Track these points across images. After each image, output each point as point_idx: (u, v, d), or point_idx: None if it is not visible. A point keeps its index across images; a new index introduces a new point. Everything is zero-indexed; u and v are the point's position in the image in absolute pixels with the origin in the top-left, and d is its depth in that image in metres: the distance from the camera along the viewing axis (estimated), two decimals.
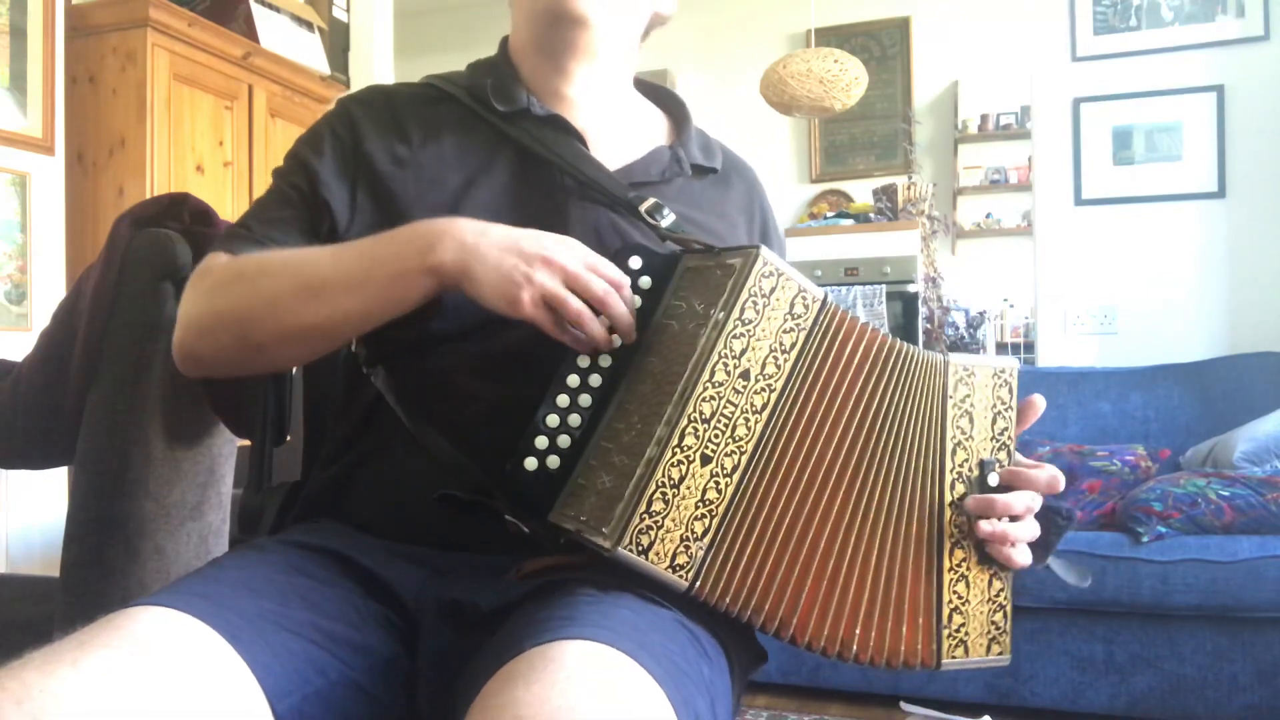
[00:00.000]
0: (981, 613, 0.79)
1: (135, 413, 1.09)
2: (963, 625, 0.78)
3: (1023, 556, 0.79)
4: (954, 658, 0.78)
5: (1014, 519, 0.78)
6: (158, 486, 1.11)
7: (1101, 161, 3.10)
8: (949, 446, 0.78)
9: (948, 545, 0.77)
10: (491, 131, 0.91)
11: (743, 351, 0.72)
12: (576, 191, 0.88)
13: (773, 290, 0.73)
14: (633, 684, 0.60)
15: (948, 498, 0.77)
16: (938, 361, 0.78)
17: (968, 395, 0.78)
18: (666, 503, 0.71)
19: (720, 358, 0.71)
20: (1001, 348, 5.22)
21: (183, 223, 1.15)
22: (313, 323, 0.81)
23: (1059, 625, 2.16)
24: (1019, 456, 0.81)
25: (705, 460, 0.71)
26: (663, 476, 0.71)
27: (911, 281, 4.05)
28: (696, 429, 0.71)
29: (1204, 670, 2.06)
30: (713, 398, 0.71)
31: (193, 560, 1.16)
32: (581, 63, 0.93)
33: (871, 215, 4.41)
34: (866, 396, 0.75)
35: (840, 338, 0.75)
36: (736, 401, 0.72)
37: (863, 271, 4.11)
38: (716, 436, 0.72)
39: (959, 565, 0.78)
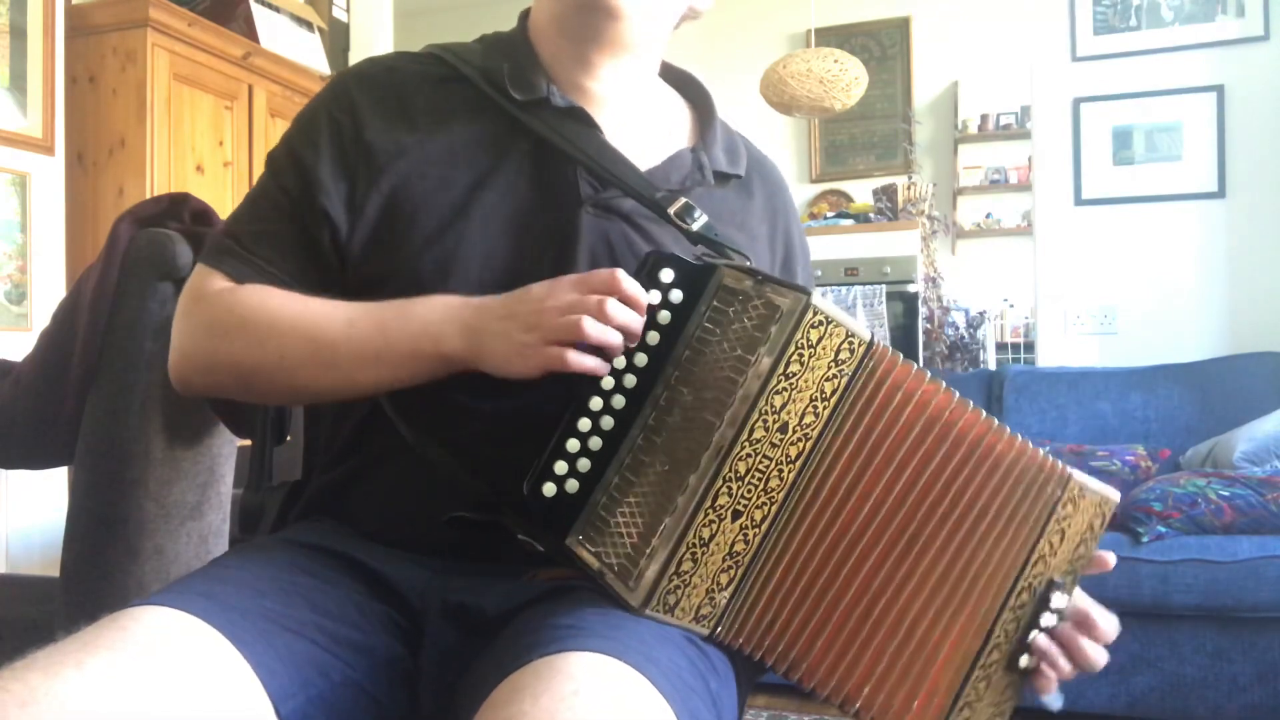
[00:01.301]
0: (986, 713, 0.77)
1: (135, 413, 1.09)
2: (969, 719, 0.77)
3: (1054, 688, 0.78)
4: None
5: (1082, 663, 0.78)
6: (158, 486, 1.11)
7: (1101, 161, 3.10)
8: (1034, 556, 0.75)
9: (990, 645, 0.75)
10: (506, 120, 0.85)
11: (783, 406, 0.70)
12: (592, 197, 0.83)
13: (820, 340, 0.70)
14: (641, 699, 0.59)
15: (1011, 602, 0.75)
16: (1060, 473, 0.75)
17: (1070, 515, 0.76)
18: (695, 562, 0.70)
19: (760, 415, 0.70)
20: (1001, 347, 5.22)
21: (183, 223, 1.16)
22: (322, 387, 0.81)
23: None
24: (1079, 591, 0.80)
25: (736, 516, 0.70)
26: (693, 538, 0.70)
27: (911, 281, 4.05)
28: (731, 487, 0.70)
29: (1204, 670, 2.06)
30: (749, 455, 0.70)
31: (193, 560, 1.16)
32: (608, 56, 0.87)
33: (871, 215, 4.41)
34: (920, 456, 0.72)
35: (887, 383, 0.72)
36: (772, 455, 0.70)
37: (863, 271, 4.10)
38: (749, 492, 0.70)
39: (989, 666, 0.76)
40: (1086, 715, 2.16)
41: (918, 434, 0.72)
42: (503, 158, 0.84)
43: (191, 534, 1.16)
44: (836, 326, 0.71)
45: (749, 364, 0.70)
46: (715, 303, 0.72)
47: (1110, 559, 0.81)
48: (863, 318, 3.96)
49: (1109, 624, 0.79)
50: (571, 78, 0.87)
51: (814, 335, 0.70)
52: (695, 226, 0.81)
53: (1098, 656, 0.78)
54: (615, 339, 0.70)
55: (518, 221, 0.83)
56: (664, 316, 0.72)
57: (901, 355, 0.73)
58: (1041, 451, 0.75)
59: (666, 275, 0.73)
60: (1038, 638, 0.76)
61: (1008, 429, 0.74)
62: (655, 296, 0.72)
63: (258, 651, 0.64)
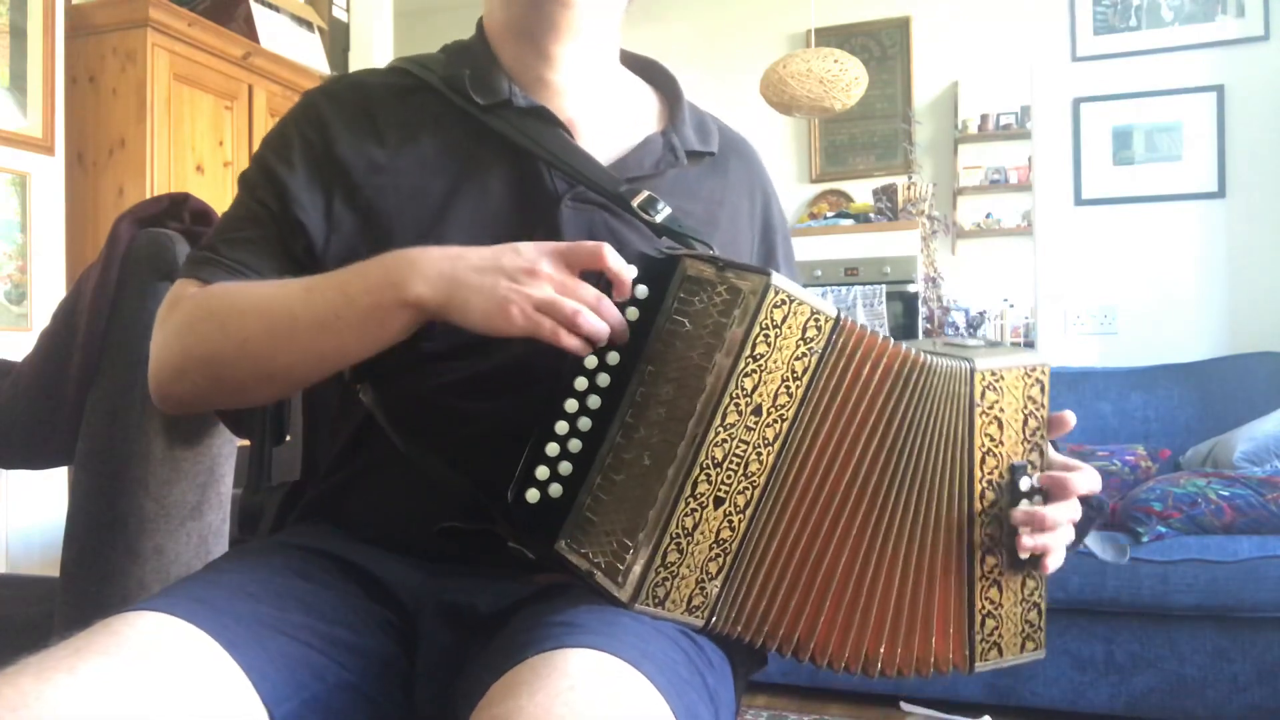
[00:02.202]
0: (1015, 614, 0.77)
1: (135, 413, 1.09)
2: (996, 628, 0.77)
3: (1058, 560, 0.77)
4: (987, 660, 0.77)
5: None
6: (158, 486, 1.11)
7: (1101, 161, 3.10)
8: (978, 456, 0.75)
9: (979, 554, 0.75)
10: (472, 126, 0.85)
11: (754, 388, 0.70)
12: (567, 191, 0.84)
13: (784, 319, 0.70)
14: (636, 694, 0.59)
15: (978, 507, 0.75)
16: (963, 371, 0.74)
17: (996, 401, 0.75)
18: (681, 552, 0.70)
19: (731, 399, 0.69)
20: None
21: (183, 223, 1.16)
22: (287, 364, 0.78)
23: (1059, 625, 2.16)
24: (1052, 454, 0.78)
25: (718, 503, 0.70)
26: (676, 528, 0.70)
27: (911, 281, 4.05)
28: (709, 475, 0.70)
29: (1204, 670, 2.06)
30: (724, 440, 0.69)
31: (193, 560, 1.16)
32: (565, 44, 0.87)
33: (871, 215, 4.42)
34: (887, 415, 0.73)
35: (857, 357, 0.72)
36: (749, 439, 0.70)
37: (863, 271, 4.11)
38: (729, 478, 0.70)
39: (991, 571, 0.76)
40: (1086, 715, 2.16)
41: (883, 400, 0.73)
42: (474, 163, 0.85)
43: (191, 534, 1.16)
44: (800, 305, 0.70)
45: (717, 349, 0.70)
46: (681, 294, 0.72)
47: (1070, 416, 0.78)
48: (863, 317, 3.97)
49: (1084, 479, 0.77)
50: (533, 73, 0.88)
51: (778, 315, 0.70)
52: (659, 218, 0.82)
53: (1069, 514, 0.76)
54: (603, 332, 0.70)
55: (497, 223, 0.83)
56: (632, 313, 0.73)
57: (871, 330, 0.72)
58: (950, 362, 0.74)
59: (630, 272, 0.73)
60: (1031, 539, 0.76)
61: (925, 355, 0.74)
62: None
63: (251, 655, 0.64)
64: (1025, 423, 0.77)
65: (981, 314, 5.04)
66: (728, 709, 0.73)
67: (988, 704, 2.22)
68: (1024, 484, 0.76)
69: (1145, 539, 2.10)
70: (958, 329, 4.87)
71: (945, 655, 0.75)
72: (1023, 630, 0.78)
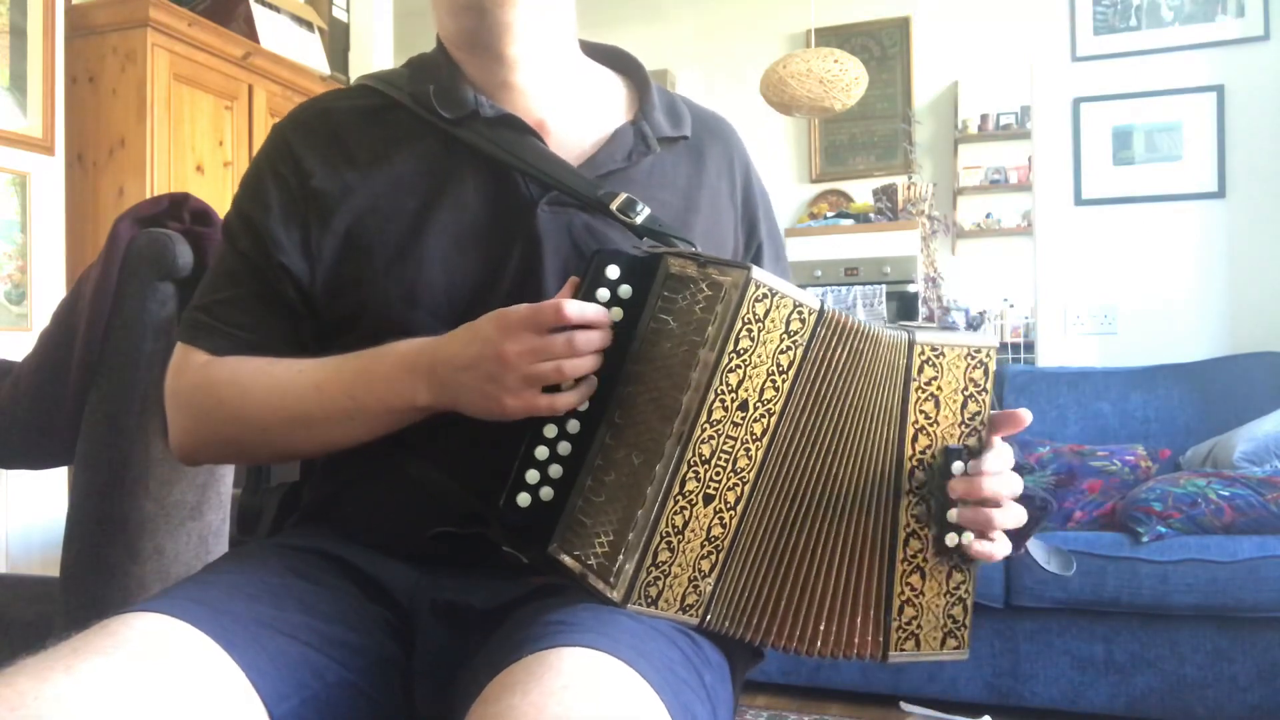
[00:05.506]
0: (938, 606, 0.75)
1: (135, 413, 1.10)
2: (915, 618, 0.75)
3: (1002, 548, 0.75)
4: (903, 650, 0.74)
5: (995, 505, 0.74)
6: (158, 486, 1.11)
7: (1101, 161, 3.09)
8: (910, 432, 0.73)
9: (902, 535, 0.74)
10: (443, 140, 0.85)
11: (739, 383, 0.69)
12: (543, 196, 0.83)
13: (767, 313, 0.69)
14: (631, 694, 0.59)
15: (906, 485, 0.74)
16: (901, 342, 0.73)
17: (934, 378, 0.73)
18: (672, 550, 0.70)
19: (716, 395, 0.69)
20: (1001, 348, 5.22)
21: (183, 223, 1.16)
22: (307, 449, 0.84)
23: (1059, 625, 2.16)
24: (999, 444, 0.76)
25: (708, 500, 0.70)
26: (666, 527, 0.69)
27: (911, 281, 4.05)
28: (697, 472, 0.69)
29: (1204, 670, 2.06)
30: (711, 437, 0.69)
31: (192, 560, 1.16)
32: (520, 44, 0.85)
33: (871, 215, 4.42)
34: (854, 395, 0.73)
35: (843, 345, 0.72)
36: (736, 435, 0.70)
37: (863, 271, 4.11)
38: (717, 475, 0.70)
39: (914, 556, 0.74)
40: (1086, 715, 2.16)
41: (844, 377, 0.72)
42: (447, 177, 0.84)
43: (191, 534, 1.16)
44: (782, 298, 0.70)
45: (700, 346, 0.69)
46: (665, 292, 0.72)
47: (1024, 414, 0.75)
48: (862, 318, 3.96)
49: (1001, 452, 0.75)
50: (496, 79, 0.87)
51: (760, 309, 0.69)
52: (639, 220, 0.81)
53: (1006, 488, 0.74)
54: (593, 367, 0.71)
55: (474, 235, 0.83)
56: (616, 314, 0.72)
57: (858, 319, 0.72)
58: (892, 332, 0.73)
59: (613, 272, 0.73)
60: (954, 511, 0.74)
61: (873, 326, 0.73)
62: (604, 294, 0.72)
63: (250, 655, 0.64)
64: (964, 405, 0.75)
65: (981, 314, 5.04)
66: (725, 707, 0.73)
67: (987, 704, 2.22)
68: (957, 469, 0.74)
69: (1145, 539, 2.10)
70: (958, 329, 4.87)
71: (864, 639, 0.74)
72: (944, 625, 0.75)
